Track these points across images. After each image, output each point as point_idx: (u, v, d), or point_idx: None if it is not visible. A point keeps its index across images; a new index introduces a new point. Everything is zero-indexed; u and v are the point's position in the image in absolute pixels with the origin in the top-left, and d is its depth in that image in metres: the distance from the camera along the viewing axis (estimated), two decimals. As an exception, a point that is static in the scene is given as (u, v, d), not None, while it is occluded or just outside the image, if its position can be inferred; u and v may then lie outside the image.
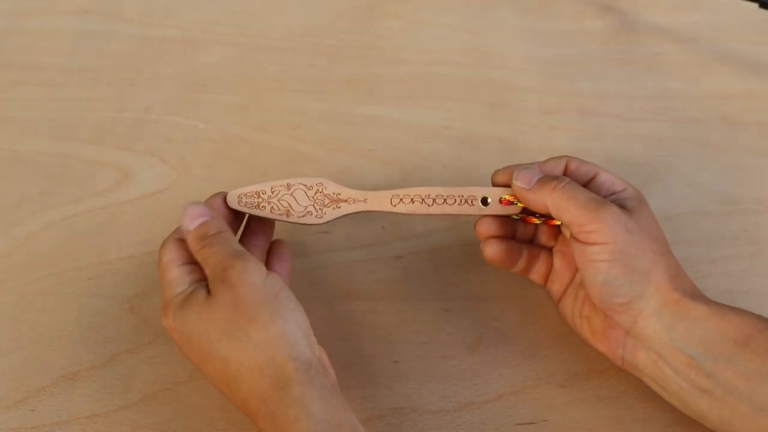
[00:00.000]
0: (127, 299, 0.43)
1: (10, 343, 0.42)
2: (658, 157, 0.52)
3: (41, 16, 0.58)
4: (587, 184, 0.40)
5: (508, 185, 0.40)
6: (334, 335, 0.42)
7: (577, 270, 0.40)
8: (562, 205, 0.37)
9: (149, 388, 0.40)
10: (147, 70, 0.55)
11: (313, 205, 0.40)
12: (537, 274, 0.42)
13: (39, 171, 0.49)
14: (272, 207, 0.40)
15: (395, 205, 0.40)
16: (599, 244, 0.35)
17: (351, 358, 0.42)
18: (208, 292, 0.35)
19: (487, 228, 0.40)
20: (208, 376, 0.36)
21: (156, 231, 0.46)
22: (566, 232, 0.38)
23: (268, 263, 0.41)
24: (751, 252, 0.47)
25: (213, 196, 0.40)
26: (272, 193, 0.40)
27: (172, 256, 0.37)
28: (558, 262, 0.41)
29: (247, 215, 0.42)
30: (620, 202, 0.38)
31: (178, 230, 0.38)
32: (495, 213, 0.40)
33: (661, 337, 0.35)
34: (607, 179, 0.39)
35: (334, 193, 0.40)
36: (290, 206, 0.40)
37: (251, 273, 0.34)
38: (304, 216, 0.40)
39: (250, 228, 0.42)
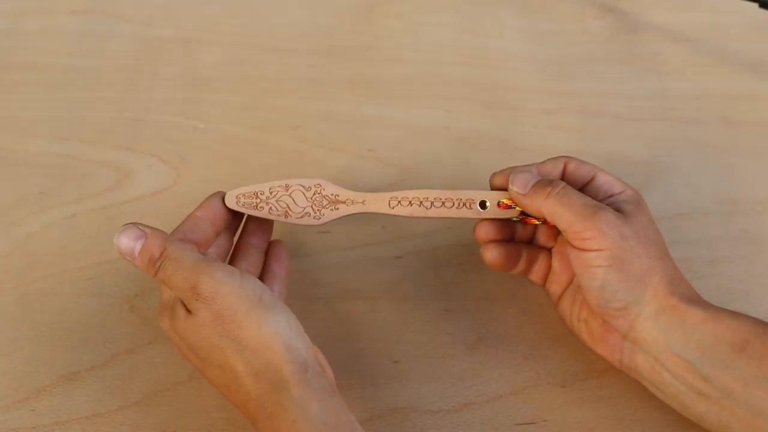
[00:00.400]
0: (127, 299, 0.43)
1: (10, 343, 0.42)
2: (658, 157, 0.52)
3: (41, 16, 0.58)
4: (585, 186, 0.39)
5: (506, 188, 0.40)
6: (334, 335, 0.42)
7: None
8: (556, 211, 0.37)
9: (149, 388, 0.40)
10: (147, 70, 0.55)
11: (312, 206, 0.40)
12: (536, 274, 0.42)
13: (39, 171, 0.49)
14: (270, 208, 0.40)
15: (393, 208, 0.40)
16: (594, 250, 0.36)
17: (351, 358, 0.42)
18: (186, 315, 0.34)
19: (485, 232, 0.40)
20: (207, 379, 0.36)
21: (156, 231, 0.46)
22: (564, 235, 0.38)
23: (265, 264, 0.41)
24: (751, 252, 0.47)
25: (211, 196, 0.40)
26: (270, 193, 0.40)
27: None
28: (557, 263, 0.41)
29: (245, 215, 0.42)
30: (617, 206, 0.37)
31: (176, 230, 0.38)
32: (493, 216, 0.40)
33: (657, 341, 0.35)
34: (605, 181, 0.39)
35: (332, 195, 0.40)
36: (288, 207, 0.40)
37: (224, 282, 0.34)
38: (302, 217, 0.40)
39: (248, 228, 0.42)
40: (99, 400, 0.40)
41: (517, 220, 0.41)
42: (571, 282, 0.40)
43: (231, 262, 0.41)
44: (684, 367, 0.35)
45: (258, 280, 0.35)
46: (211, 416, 0.39)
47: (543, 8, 0.61)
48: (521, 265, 0.41)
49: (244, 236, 0.42)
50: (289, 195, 0.40)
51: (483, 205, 0.40)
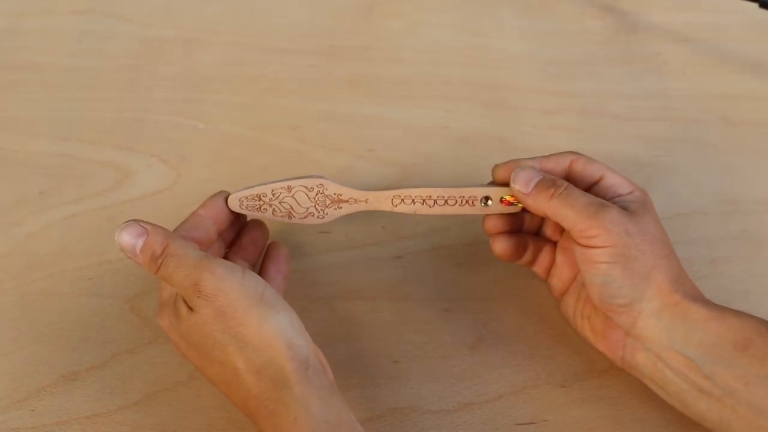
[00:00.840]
0: (127, 299, 0.43)
1: (10, 343, 0.42)
2: (658, 157, 0.52)
3: (41, 16, 0.58)
4: (592, 186, 0.39)
5: (507, 181, 0.40)
6: (335, 335, 0.42)
7: (578, 269, 0.40)
8: (560, 212, 0.37)
9: (149, 388, 0.40)
10: (147, 70, 0.55)
11: (315, 206, 0.40)
12: (540, 267, 0.42)
13: (39, 171, 0.49)
14: (274, 209, 0.40)
15: (396, 206, 0.40)
16: (599, 247, 0.36)
17: (351, 358, 0.42)
18: (188, 313, 0.34)
19: (494, 225, 0.41)
20: (207, 378, 0.36)
21: (156, 231, 0.46)
22: (569, 234, 0.38)
23: (263, 266, 0.41)
24: (751, 252, 0.47)
25: (214, 195, 0.40)
26: (273, 195, 0.40)
27: None
28: (560, 257, 0.41)
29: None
30: (623, 205, 0.38)
31: (178, 228, 0.38)
32: (496, 212, 0.40)
33: (660, 338, 0.35)
34: (613, 183, 0.39)
35: (335, 194, 0.40)
36: (292, 208, 0.40)
37: (225, 279, 0.34)
38: (306, 217, 0.40)
39: (246, 225, 0.42)
40: (99, 400, 0.40)
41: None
42: (573, 278, 0.40)
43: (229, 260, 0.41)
44: (686, 365, 0.35)
45: (259, 277, 0.35)
46: (211, 416, 0.39)
47: (543, 8, 0.61)
48: (527, 256, 0.41)
49: (242, 234, 0.42)
50: (292, 196, 0.40)
51: (486, 201, 0.40)
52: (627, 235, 0.35)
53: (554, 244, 0.42)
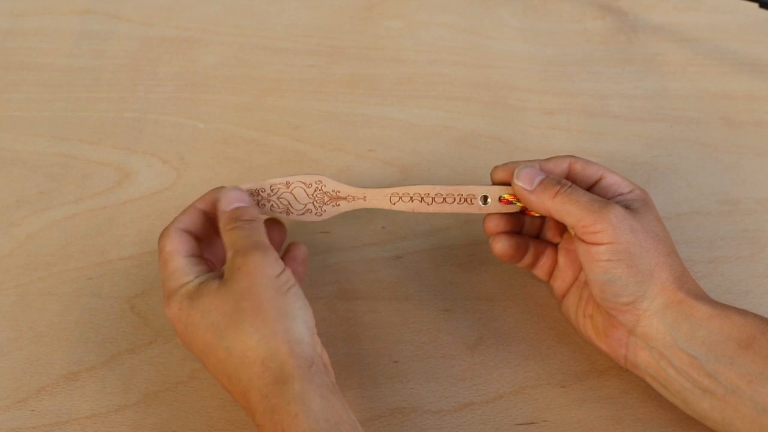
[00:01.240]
0: (127, 299, 0.43)
1: (10, 343, 0.42)
2: (658, 157, 0.52)
3: (41, 16, 0.58)
4: (593, 186, 0.40)
5: (506, 183, 0.40)
6: (335, 335, 0.42)
7: (580, 269, 0.40)
8: (564, 209, 0.37)
9: (149, 388, 0.40)
10: (147, 70, 0.55)
11: (313, 203, 0.40)
12: (541, 270, 0.42)
13: (39, 171, 0.49)
14: (272, 205, 0.40)
15: (394, 203, 0.40)
16: (603, 244, 0.36)
17: (351, 358, 0.42)
18: (219, 284, 0.35)
19: (495, 224, 0.41)
20: (209, 368, 0.36)
21: (156, 231, 0.46)
22: (572, 231, 0.38)
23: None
24: (751, 252, 0.47)
25: (211, 191, 0.40)
26: (272, 191, 0.40)
27: (176, 246, 0.37)
28: (562, 259, 0.41)
29: None
30: (625, 204, 0.38)
31: (178, 220, 0.38)
32: (494, 212, 0.40)
33: (664, 336, 0.35)
34: (613, 182, 0.39)
35: (333, 191, 0.40)
36: (290, 204, 0.40)
37: (268, 266, 0.35)
38: (303, 213, 0.40)
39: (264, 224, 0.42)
40: (99, 400, 0.40)
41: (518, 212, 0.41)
42: (576, 279, 0.40)
43: None
44: (689, 363, 0.35)
45: (292, 275, 0.36)
46: (211, 416, 0.39)
47: (543, 8, 0.61)
48: (527, 259, 0.41)
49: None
50: (290, 192, 0.40)
51: (484, 200, 0.40)
52: (631, 231, 0.36)
53: (555, 246, 0.42)
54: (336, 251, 0.46)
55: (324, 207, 0.40)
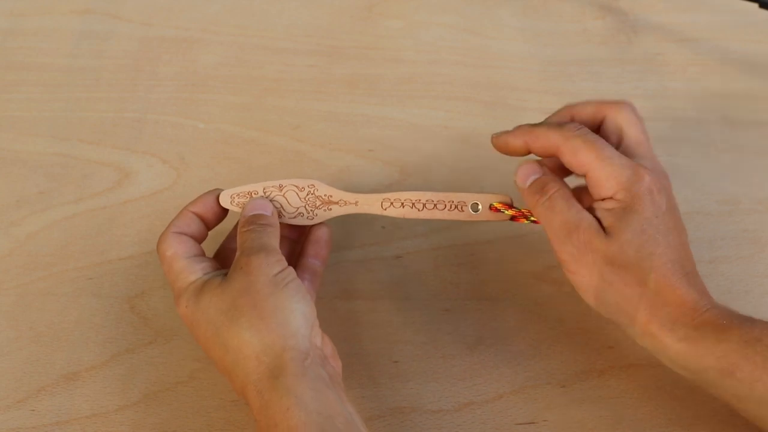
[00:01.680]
0: (127, 299, 0.43)
1: (10, 343, 0.42)
2: (658, 157, 0.51)
3: (41, 16, 0.58)
4: (598, 129, 0.39)
5: (510, 151, 0.39)
6: (335, 335, 0.42)
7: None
8: (544, 222, 0.37)
9: (149, 388, 0.40)
10: (147, 70, 0.55)
11: (305, 207, 0.40)
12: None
13: (39, 171, 0.49)
14: None
15: (386, 209, 0.40)
16: (570, 273, 0.36)
17: (351, 358, 0.42)
18: (220, 282, 0.36)
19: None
20: (215, 364, 0.36)
21: (156, 231, 0.46)
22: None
23: (303, 248, 0.41)
24: (751, 252, 0.47)
25: (205, 194, 0.40)
26: (264, 193, 0.40)
27: (176, 249, 0.37)
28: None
29: None
30: (600, 218, 0.36)
31: (173, 224, 0.38)
32: (484, 219, 0.40)
33: (654, 354, 0.36)
34: (597, 179, 0.36)
35: (325, 195, 0.41)
36: (282, 207, 0.40)
37: (269, 266, 0.35)
38: (295, 217, 0.41)
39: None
40: (99, 400, 0.40)
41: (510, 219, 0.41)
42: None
43: None
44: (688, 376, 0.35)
45: (292, 270, 0.36)
46: (211, 416, 0.39)
47: (543, 8, 0.61)
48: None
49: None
50: (283, 195, 0.40)
51: (475, 207, 0.40)
52: (594, 264, 0.35)
53: None
54: (336, 251, 0.46)
55: (316, 211, 0.41)
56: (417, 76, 0.55)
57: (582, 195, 0.38)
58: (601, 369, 0.41)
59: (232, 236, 0.42)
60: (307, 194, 0.40)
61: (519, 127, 0.39)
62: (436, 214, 0.40)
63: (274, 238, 0.38)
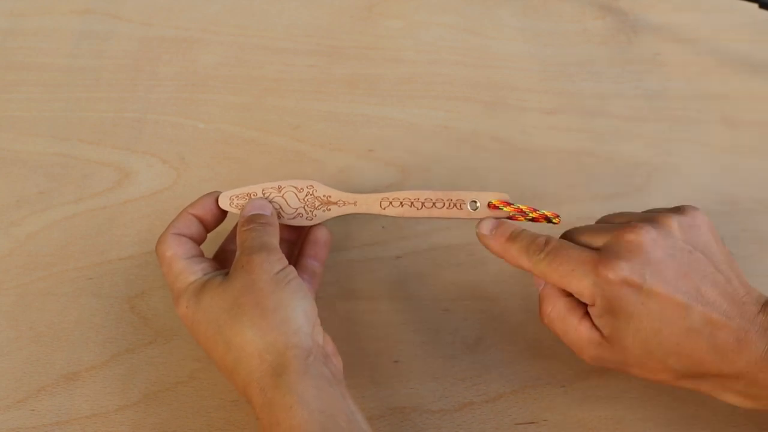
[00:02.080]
0: (127, 299, 0.43)
1: (10, 343, 0.42)
2: (658, 157, 0.52)
3: (41, 16, 0.58)
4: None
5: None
6: (335, 335, 0.42)
7: None
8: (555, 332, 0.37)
9: (149, 388, 0.40)
10: (147, 70, 0.55)
11: (304, 207, 0.41)
12: None
13: (39, 171, 0.49)
14: None
15: (384, 208, 0.40)
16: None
17: (351, 358, 0.42)
18: (221, 281, 0.36)
19: None
20: (216, 364, 0.36)
21: (156, 231, 0.46)
22: None
23: (302, 248, 0.41)
24: (751, 252, 0.47)
25: (204, 196, 0.40)
26: (263, 195, 0.40)
27: (176, 250, 0.37)
28: None
29: None
30: (598, 326, 0.35)
31: (172, 225, 0.38)
32: (484, 217, 0.40)
33: None
34: (573, 293, 0.35)
35: (324, 196, 0.41)
36: (281, 208, 0.40)
37: (270, 264, 0.35)
38: (294, 218, 0.41)
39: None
40: (99, 400, 0.40)
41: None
42: None
43: None
44: None
45: (293, 269, 0.36)
46: (211, 416, 0.39)
47: (543, 8, 0.61)
48: None
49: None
50: (282, 196, 0.40)
51: (474, 205, 0.40)
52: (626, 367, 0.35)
53: None
54: (336, 251, 0.46)
55: (315, 212, 0.41)
56: (417, 76, 0.55)
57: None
58: (601, 369, 0.41)
59: (231, 238, 0.42)
60: (306, 195, 0.41)
61: (498, 232, 0.38)
62: (435, 213, 0.40)
63: (274, 237, 0.38)
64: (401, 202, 0.40)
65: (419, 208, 0.40)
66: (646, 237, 0.34)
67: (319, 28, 0.58)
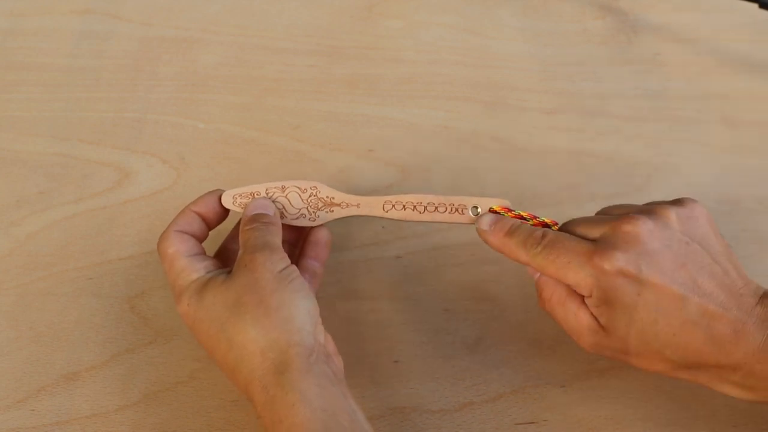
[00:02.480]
0: (127, 299, 0.43)
1: (10, 343, 0.42)
2: (658, 157, 0.52)
3: (41, 16, 0.58)
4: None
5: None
6: (335, 335, 0.42)
7: None
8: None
9: (149, 388, 0.40)
10: (147, 70, 0.55)
11: (307, 208, 0.41)
12: None
13: (39, 171, 0.49)
14: None
15: (387, 211, 0.41)
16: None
17: (352, 358, 0.41)
18: (224, 280, 0.36)
19: None
20: (217, 362, 0.36)
21: (156, 231, 0.46)
22: None
23: (303, 249, 0.42)
24: (751, 252, 0.47)
25: (207, 194, 0.40)
26: (267, 194, 0.40)
27: (178, 247, 0.37)
28: None
29: None
30: (595, 315, 0.35)
31: (174, 223, 0.38)
32: None
33: None
34: (570, 285, 0.35)
35: (327, 197, 0.41)
36: (284, 208, 0.40)
37: (273, 263, 0.35)
38: (297, 218, 0.41)
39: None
40: (99, 400, 0.40)
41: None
42: None
43: None
44: None
45: (296, 268, 0.36)
46: (211, 416, 0.39)
47: (543, 8, 0.61)
48: None
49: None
50: (285, 196, 0.40)
51: (475, 211, 0.40)
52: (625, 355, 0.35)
53: None
54: (336, 251, 0.46)
55: (318, 213, 0.41)
56: (417, 76, 0.55)
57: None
58: (601, 369, 0.41)
59: (232, 236, 0.42)
60: (310, 196, 0.41)
61: (497, 227, 0.38)
62: (437, 217, 0.40)
63: (277, 236, 0.38)
64: (404, 206, 0.40)
65: (421, 211, 0.40)
66: (643, 228, 0.34)
67: (319, 28, 0.58)
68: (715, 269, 0.34)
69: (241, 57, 0.56)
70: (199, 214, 0.39)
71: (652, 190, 0.50)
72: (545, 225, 0.39)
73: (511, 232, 0.37)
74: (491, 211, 0.40)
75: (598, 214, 0.39)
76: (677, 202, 0.36)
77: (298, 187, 0.41)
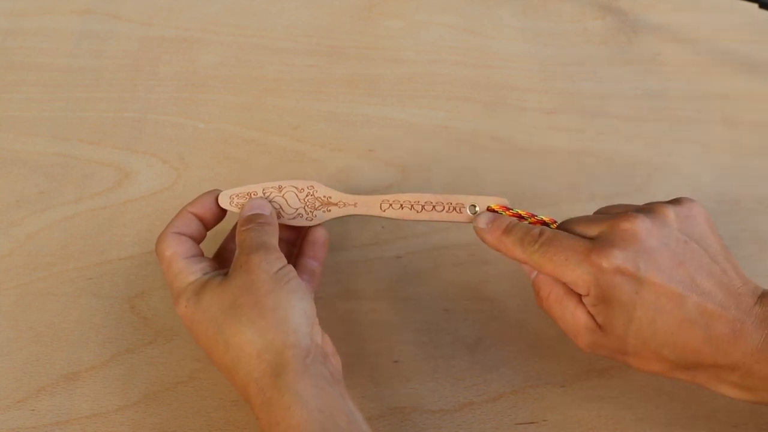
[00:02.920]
0: (127, 299, 0.43)
1: (10, 343, 0.42)
2: (658, 157, 0.52)
3: (41, 16, 0.58)
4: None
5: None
6: (334, 335, 0.42)
7: None
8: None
9: (149, 388, 0.40)
10: (147, 70, 0.55)
11: (304, 208, 0.41)
12: None
13: (39, 171, 0.49)
14: None
15: (384, 210, 0.40)
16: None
17: (351, 358, 0.42)
18: (221, 281, 0.36)
19: None
20: (215, 364, 0.36)
21: (156, 231, 0.45)
22: None
23: (301, 248, 0.42)
24: (751, 252, 0.47)
25: (204, 194, 0.40)
26: (264, 194, 0.40)
27: (176, 249, 0.37)
28: None
29: None
30: (592, 314, 0.35)
31: (172, 224, 0.38)
32: None
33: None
34: (567, 283, 0.35)
35: (324, 196, 0.41)
36: (281, 207, 0.40)
37: (268, 263, 0.35)
38: (294, 218, 0.41)
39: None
40: (99, 400, 0.40)
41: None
42: None
43: None
44: None
45: (293, 269, 0.36)
46: (211, 416, 0.39)
47: (543, 8, 0.61)
48: None
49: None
50: (282, 196, 0.40)
51: (473, 209, 0.40)
52: (623, 354, 0.35)
53: None
54: (336, 251, 0.46)
55: (315, 212, 0.41)
56: (417, 76, 0.55)
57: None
58: (601, 369, 0.41)
59: (231, 237, 0.42)
60: (307, 195, 0.41)
61: (494, 226, 0.38)
62: (435, 216, 0.40)
63: (273, 237, 0.38)
64: (401, 205, 0.40)
65: (419, 210, 0.40)
66: (641, 226, 0.34)
67: (319, 28, 0.58)
68: (713, 268, 0.34)
69: (241, 57, 0.56)
70: (196, 215, 0.39)
71: (652, 190, 0.50)
72: (543, 223, 0.39)
73: (508, 230, 0.37)
74: (489, 209, 0.40)
75: (596, 213, 0.39)
76: (675, 202, 0.36)
77: (295, 187, 0.41)
